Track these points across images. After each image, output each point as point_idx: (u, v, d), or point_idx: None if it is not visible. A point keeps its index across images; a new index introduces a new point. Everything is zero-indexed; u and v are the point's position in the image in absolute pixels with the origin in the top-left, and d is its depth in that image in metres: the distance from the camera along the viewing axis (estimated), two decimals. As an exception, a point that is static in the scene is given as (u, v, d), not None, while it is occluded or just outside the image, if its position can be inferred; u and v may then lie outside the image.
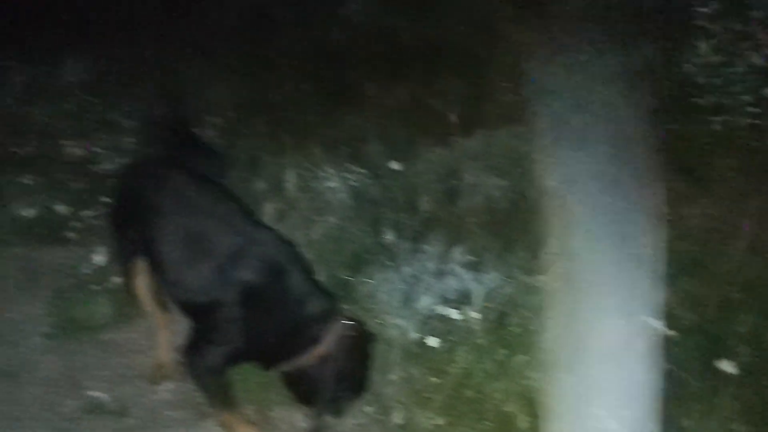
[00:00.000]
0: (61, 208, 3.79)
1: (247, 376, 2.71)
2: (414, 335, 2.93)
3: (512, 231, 3.45)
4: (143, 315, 3.04)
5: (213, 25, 5.56)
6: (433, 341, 2.88)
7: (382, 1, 5.60)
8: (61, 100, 4.59)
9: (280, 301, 2.42)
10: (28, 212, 3.72)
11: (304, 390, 2.51)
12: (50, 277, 3.36)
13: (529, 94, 4.58)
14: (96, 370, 2.91)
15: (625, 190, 3.81)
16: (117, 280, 3.29)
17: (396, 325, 2.95)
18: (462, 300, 3.04)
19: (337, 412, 2.54)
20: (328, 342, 2.42)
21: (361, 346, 2.52)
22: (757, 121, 3.99)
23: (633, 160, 4.05)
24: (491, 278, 3.10)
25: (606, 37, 4.76)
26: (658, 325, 2.81)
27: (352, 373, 2.49)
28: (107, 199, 3.78)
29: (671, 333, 2.83)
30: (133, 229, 2.66)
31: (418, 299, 3.01)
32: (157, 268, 2.61)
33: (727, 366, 2.60)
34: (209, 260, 2.43)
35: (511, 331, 2.88)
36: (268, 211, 3.53)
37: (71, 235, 3.63)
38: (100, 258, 3.42)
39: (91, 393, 2.80)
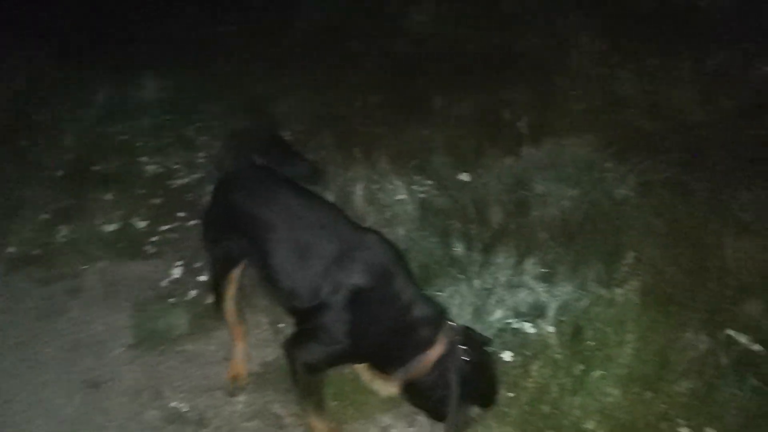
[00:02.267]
0: (140, 223, 3.93)
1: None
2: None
3: (586, 242, 3.39)
4: (219, 327, 3.12)
5: (284, 40, 5.69)
6: (506, 355, 2.85)
7: (447, 12, 5.60)
8: (140, 117, 4.76)
9: (387, 303, 2.41)
10: (110, 227, 3.87)
11: (429, 401, 2.45)
12: (131, 290, 3.47)
13: (599, 102, 4.52)
14: (176, 381, 2.99)
15: (703, 199, 3.71)
16: (193, 293, 3.40)
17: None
18: (535, 313, 2.99)
19: (466, 424, 2.45)
20: (440, 345, 2.38)
21: (477, 349, 2.43)
22: None
23: (710, 167, 3.94)
24: (565, 291, 3.04)
25: (679, 42, 4.66)
26: (744, 340, 2.71)
27: (471, 379, 2.38)
28: (183, 214, 3.96)
29: (758, 348, 2.71)
30: (233, 240, 2.70)
31: (490, 312, 2.98)
32: (265, 277, 2.61)
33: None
34: (316, 266, 2.44)
35: (588, 345, 2.82)
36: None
37: (150, 249, 3.75)
38: (177, 271, 3.52)
39: (171, 404, 2.89)
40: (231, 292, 2.85)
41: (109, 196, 4.08)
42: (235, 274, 2.79)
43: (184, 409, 2.87)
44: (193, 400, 2.91)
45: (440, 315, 2.45)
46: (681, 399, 2.64)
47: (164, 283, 3.51)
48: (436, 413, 2.44)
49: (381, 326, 2.40)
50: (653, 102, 4.49)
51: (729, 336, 2.80)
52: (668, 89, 4.51)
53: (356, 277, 2.39)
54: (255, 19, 6.08)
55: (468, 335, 2.43)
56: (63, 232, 3.85)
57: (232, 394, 2.91)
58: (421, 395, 2.45)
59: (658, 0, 5.08)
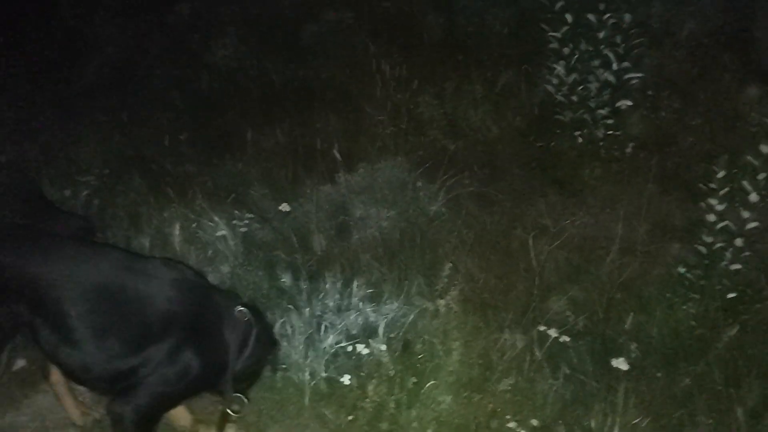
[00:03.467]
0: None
1: None
2: (323, 374, 2.91)
3: (407, 259, 3.53)
4: (30, 394, 2.85)
5: (76, 79, 5.36)
6: (345, 379, 2.88)
7: (249, 46, 5.60)
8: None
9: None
10: None
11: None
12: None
13: (405, 125, 4.75)
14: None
15: (506, 208, 4.03)
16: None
17: (302, 367, 2.93)
18: (366, 333, 3.06)
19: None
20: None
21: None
22: (613, 132, 4.32)
23: (508, 179, 4.29)
24: (392, 308, 3.15)
25: (470, 65, 5.03)
26: (554, 333, 2.96)
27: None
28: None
29: (566, 339, 2.97)
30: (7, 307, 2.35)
31: (322, 339, 3.00)
32: (59, 344, 2.33)
33: (619, 363, 2.76)
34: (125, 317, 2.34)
35: (418, 358, 2.93)
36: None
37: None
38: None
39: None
40: None
41: None
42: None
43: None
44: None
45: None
46: (506, 396, 2.82)
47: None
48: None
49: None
50: (453, 122, 4.80)
51: (540, 331, 3.03)
52: (465, 109, 4.84)
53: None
54: (40, 58, 5.62)
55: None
56: None
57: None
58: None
59: (447, 28, 5.45)
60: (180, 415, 2.69)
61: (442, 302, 3.16)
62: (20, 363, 3.02)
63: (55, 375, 2.72)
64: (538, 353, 2.97)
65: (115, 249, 2.64)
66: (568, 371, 2.88)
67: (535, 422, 2.68)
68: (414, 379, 2.85)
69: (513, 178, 4.28)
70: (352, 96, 4.97)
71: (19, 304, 2.32)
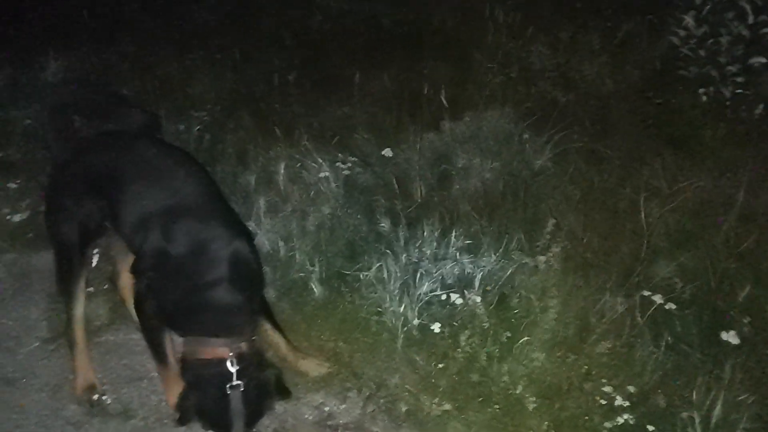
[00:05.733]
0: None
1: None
2: (415, 321, 2.92)
3: (508, 212, 3.45)
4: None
5: (191, 18, 5.50)
6: (435, 327, 2.88)
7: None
8: (44, 100, 4.50)
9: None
10: (17, 217, 3.67)
11: None
12: (43, 281, 3.30)
13: (516, 75, 4.60)
14: (97, 374, 2.87)
15: (616, 166, 3.84)
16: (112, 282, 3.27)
17: (396, 313, 2.95)
18: (462, 284, 3.03)
19: None
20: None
21: None
22: (742, 91, 4.01)
23: (621, 135, 4.08)
24: (490, 261, 3.10)
25: (588, 15, 4.79)
26: (659, 299, 2.83)
27: None
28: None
29: (672, 306, 2.84)
30: (90, 206, 2.61)
31: (417, 285, 3.00)
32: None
33: (730, 337, 2.61)
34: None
35: (514, 313, 2.89)
36: (260, 205, 3.50)
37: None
38: (93, 260, 3.38)
39: (93, 396, 2.77)
40: (84, 275, 2.76)
41: (14, 185, 3.88)
42: (91, 251, 2.76)
43: (108, 401, 2.77)
44: (117, 391, 2.82)
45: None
46: (602, 359, 2.73)
47: (79, 272, 3.36)
48: None
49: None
50: (566, 73, 4.60)
51: (644, 297, 2.91)
52: (579, 61, 4.63)
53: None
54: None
55: None
56: (-34, 224, 3.63)
57: (91, 407, 2.75)
58: None
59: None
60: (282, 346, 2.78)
61: (542, 259, 3.08)
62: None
63: (124, 279, 2.94)
64: (639, 319, 2.85)
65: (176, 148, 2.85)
66: (670, 340, 2.74)
67: (631, 389, 2.59)
68: (508, 334, 2.81)
69: (626, 135, 4.06)
70: (462, 42, 4.85)
71: (105, 200, 2.56)
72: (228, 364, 2.27)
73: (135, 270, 2.53)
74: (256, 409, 2.31)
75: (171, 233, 2.38)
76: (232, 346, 2.29)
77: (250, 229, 3.36)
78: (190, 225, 2.40)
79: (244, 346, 2.32)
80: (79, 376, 2.80)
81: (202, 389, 2.29)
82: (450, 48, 4.85)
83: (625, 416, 2.51)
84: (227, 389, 2.24)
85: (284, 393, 2.45)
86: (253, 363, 2.32)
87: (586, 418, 2.55)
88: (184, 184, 2.51)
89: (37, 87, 4.64)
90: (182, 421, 2.34)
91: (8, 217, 3.67)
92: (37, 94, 4.57)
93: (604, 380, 2.64)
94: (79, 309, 2.78)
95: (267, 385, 2.36)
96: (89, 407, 2.73)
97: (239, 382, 2.25)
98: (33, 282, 3.33)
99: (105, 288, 3.25)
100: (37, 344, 3.03)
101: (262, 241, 3.33)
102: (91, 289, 3.20)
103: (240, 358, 2.28)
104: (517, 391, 2.64)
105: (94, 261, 3.22)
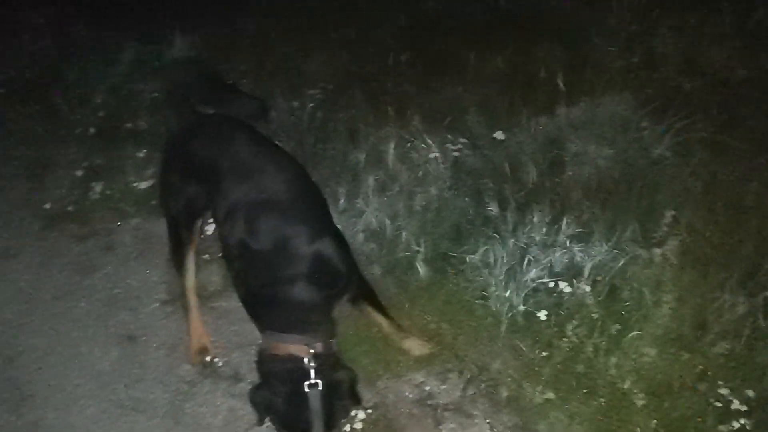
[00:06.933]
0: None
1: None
2: (521, 308, 2.88)
3: (621, 201, 3.32)
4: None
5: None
6: (541, 314, 2.83)
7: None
8: (170, 74, 4.72)
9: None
10: (142, 185, 3.88)
11: None
12: (164, 247, 3.48)
13: (637, 59, 4.40)
14: (209, 337, 3.01)
15: (742, 159, 3.62)
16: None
17: (502, 298, 2.91)
18: (571, 272, 2.96)
19: None
20: None
21: None
22: None
23: (750, 127, 3.83)
24: (601, 250, 3.00)
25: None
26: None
27: None
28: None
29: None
30: (194, 189, 2.69)
31: (524, 271, 2.96)
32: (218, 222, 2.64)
33: None
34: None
35: (624, 305, 2.79)
36: (369, 183, 3.53)
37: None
38: (210, 228, 3.53)
39: (206, 358, 2.92)
40: (193, 249, 2.87)
41: (141, 154, 4.09)
42: (197, 227, 2.83)
43: (219, 364, 2.91)
44: (228, 355, 2.95)
45: None
46: (719, 360, 2.61)
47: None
48: None
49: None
50: (693, 59, 4.35)
51: (767, 298, 2.74)
52: (708, 46, 4.37)
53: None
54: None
55: None
56: (96, 189, 3.88)
57: (204, 368, 2.88)
58: None
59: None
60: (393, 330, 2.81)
61: (657, 251, 2.96)
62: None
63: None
64: (762, 321, 2.69)
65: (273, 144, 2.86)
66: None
67: (750, 393, 2.46)
68: (617, 326, 2.73)
69: (756, 126, 3.82)
70: (581, 24, 4.68)
71: (206, 184, 2.63)
72: (306, 360, 2.21)
73: (224, 257, 2.61)
74: (335, 410, 2.22)
75: (254, 227, 2.41)
76: (309, 344, 2.25)
77: (359, 206, 3.43)
78: (274, 221, 2.41)
79: (320, 346, 2.27)
80: (193, 338, 2.95)
81: (278, 385, 2.23)
82: (568, 30, 4.69)
83: (742, 421, 2.39)
84: (305, 387, 2.17)
85: (355, 399, 2.34)
86: (330, 364, 2.27)
87: (699, 419, 2.44)
88: (274, 180, 2.53)
89: (164, 62, 4.87)
90: (259, 420, 2.30)
91: (134, 184, 3.88)
92: (164, 69, 4.80)
93: (720, 382, 2.52)
94: (191, 279, 2.94)
95: (344, 387, 2.28)
96: (202, 368, 2.88)
97: (317, 380, 2.17)
98: (154, 246, 3.51)
99: (220, 256, 3.38)
100: (156, 305, 3.21)
101: (370, 219, 3.37)
102: (206, 256, 3.38)
103: (317, 357, 2.23)
104: (625, 386, 2.56)
105: (210, 230, 3.38)
